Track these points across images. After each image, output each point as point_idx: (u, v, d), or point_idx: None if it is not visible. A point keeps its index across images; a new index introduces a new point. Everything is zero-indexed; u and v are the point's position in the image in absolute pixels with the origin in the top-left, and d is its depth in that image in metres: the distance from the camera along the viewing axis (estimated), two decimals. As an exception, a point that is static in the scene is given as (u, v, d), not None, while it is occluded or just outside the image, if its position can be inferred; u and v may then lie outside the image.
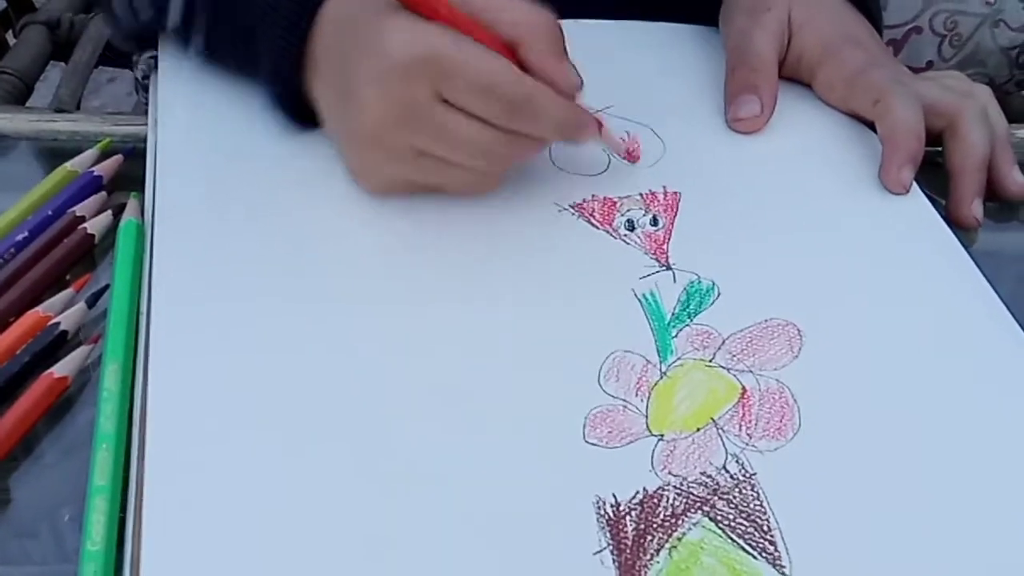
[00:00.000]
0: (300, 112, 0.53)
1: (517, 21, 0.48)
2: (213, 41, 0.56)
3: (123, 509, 0.40)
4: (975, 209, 0.55)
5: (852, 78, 0.58)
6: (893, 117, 0.55)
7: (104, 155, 0.56)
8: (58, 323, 0.46)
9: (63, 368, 0.45)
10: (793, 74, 0.60)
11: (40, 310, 0.47)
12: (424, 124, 0.47)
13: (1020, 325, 0.48)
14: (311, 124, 0.53)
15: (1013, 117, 0.82)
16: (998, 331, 0.47)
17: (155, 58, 0.60)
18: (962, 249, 0.51)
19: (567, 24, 0.63)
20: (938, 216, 0.53)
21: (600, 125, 0.52)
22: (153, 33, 0.60)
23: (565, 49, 0.49)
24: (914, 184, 0.54)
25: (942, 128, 0.57)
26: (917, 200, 0.54)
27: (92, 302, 0.48)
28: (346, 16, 0.50)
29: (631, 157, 0.55)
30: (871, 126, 0.57)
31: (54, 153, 0.58)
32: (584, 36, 0.62)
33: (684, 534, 0.39)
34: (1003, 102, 0.85)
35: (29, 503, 0.42)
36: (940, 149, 0.57)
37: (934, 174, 0.57)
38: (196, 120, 0.55)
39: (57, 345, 0.46)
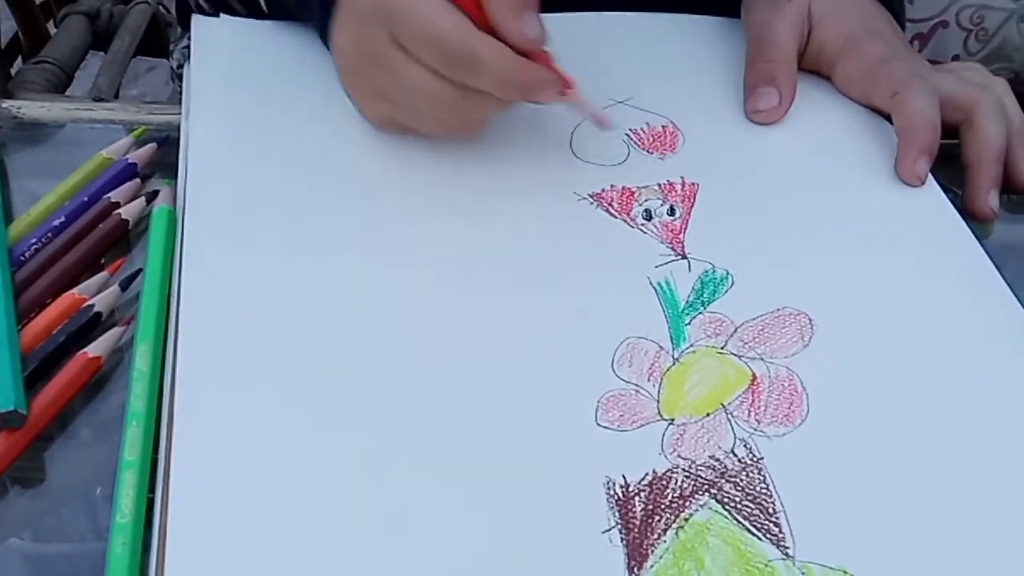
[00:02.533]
0: None
1: None
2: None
3: (152, 486, 0.41)
4: (991, 200, 0.56)
5: (871, 70, 0.58)
6: (910, 109, 0.55)
7: (139, 143, 0.57)
8: (92, 305, 0.48)
9: (97, 348, 0.46)
10: (813, 66, 0.61)
11: (75, 292, 0.49)
12: (382, 68, 0.50)
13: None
14: None
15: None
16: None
17: (189, 48, 0.62)
18: (976, 242, 0.52)
19: (592, 16, 0.64)
20: (953, 209, 0.54)
21: (569, 87, 0.51)
22: None
23: (532, 4, 0.49)
24: (929, 176, 0.55)
25: (959, 120, 0.57)
26: (932, 192, 0.55)
27: (125, 285, 0.49)
28: None
29: (603, 122, 0.53)
30: (889, 119, 0.58)
31: (91, 141, 0.60)
32: (607, 27, 0.64)
33: (691, 515, 0.40)
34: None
35: (63, 481, 0.43)
36: (957, 142, 0.58)
37: (950, 166, 0.57)
38: (227, 110, 0.56)
39: (91, 326, 0.48)
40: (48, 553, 0.41)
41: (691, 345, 0.46)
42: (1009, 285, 0.50)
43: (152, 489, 0.41)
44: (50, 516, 0.42)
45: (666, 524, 0.39)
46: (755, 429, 0.43)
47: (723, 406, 0.44)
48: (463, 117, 0.52)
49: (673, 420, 0.43)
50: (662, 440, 0.42)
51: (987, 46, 0.80)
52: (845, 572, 0.38)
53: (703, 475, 0.41)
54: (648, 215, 0.52)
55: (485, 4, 0.48)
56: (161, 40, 1.01)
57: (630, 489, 0.40)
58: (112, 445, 0.42)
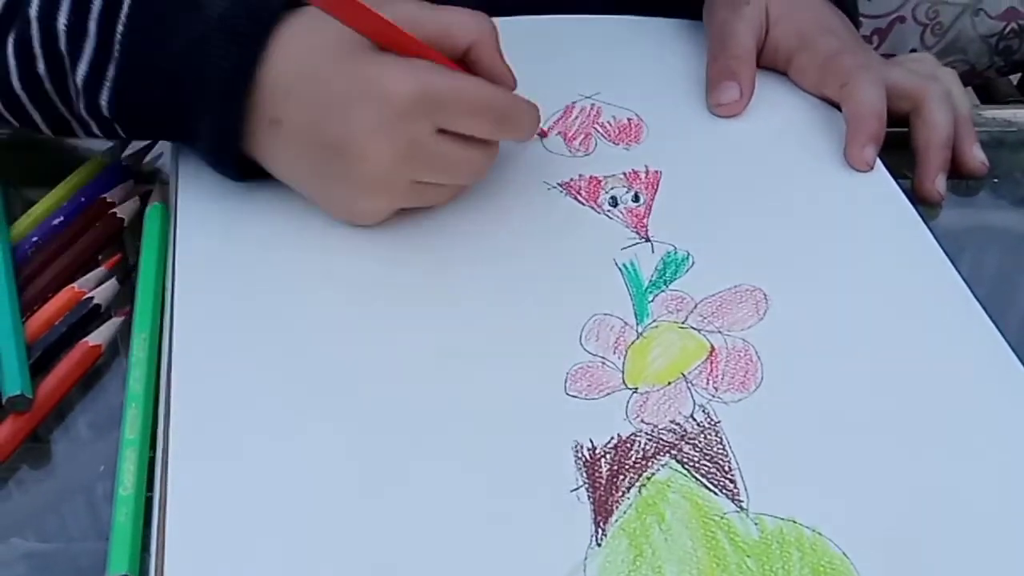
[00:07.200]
0: (240, 168, 0.53)
1: (467, 26, 0.51)
2: (126, 94, 0.52)
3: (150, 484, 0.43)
4: (939, 184, 0.59)
5: (823, 63, 0.61)
6: (857, 98, 0.59)
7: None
8: (92, 297, 0.51)
9: (96, 337, 0.49)
10: (770, 63, 0.64)
11: (75, 286, 0.51)
12: (426, 158, 0.50)
13: (973, 293, 0.51)
14: (250, 177, 0.53)
15: (999, 101, 0.86)
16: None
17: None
18: (922, 223, 0.55)
19: (564, 19, 0.67)
20: (900, 192, 0.57)
21: None
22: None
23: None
24: (878, 162, 0.58)
25: (908, 109, 0.61)
26: (881, 177, 0.58)
27: (122, 278, 0.52)
28: (301, 73, 0.49)
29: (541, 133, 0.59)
30: (840, 109, 0.61)
31: (85, 145, 0.61)
32: (576, 30, 0.67)
33: (653, 474, 0.43)
34: (988, 87, 0.89)
35: (66, 473, 0.45)
36: (907, 130, 0.61)
37: (902, 153, 0.60)
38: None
39: (91, 317, 0.51)
40: (50, 551, 0.43)
41: (654, 320, 0.49)
42: (955, 265, 0.52)
43: (150, 487, 0.43)
44: (51, 513, 0.44)
45: (630, 483, 0.42)
46: (713, 396, 0.46)
47: (683, 375, 0.47)
48: (481, 174, 0.54)
49: (637, 389, 0.46)
50: (626, 407, 0.45)
51: (943, 40, 0.83)
52: (794, 521, 0.41)
53: (664, 438, 0.44)
54: (614, 202, 0.55)
55: (476, 52, 0.51)
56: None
57: (597, 452, 0.43)
58: (112, 439, 0.45)
